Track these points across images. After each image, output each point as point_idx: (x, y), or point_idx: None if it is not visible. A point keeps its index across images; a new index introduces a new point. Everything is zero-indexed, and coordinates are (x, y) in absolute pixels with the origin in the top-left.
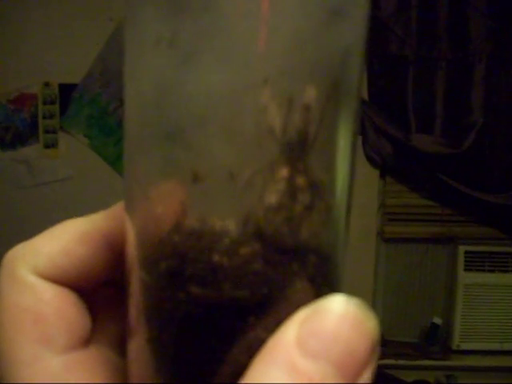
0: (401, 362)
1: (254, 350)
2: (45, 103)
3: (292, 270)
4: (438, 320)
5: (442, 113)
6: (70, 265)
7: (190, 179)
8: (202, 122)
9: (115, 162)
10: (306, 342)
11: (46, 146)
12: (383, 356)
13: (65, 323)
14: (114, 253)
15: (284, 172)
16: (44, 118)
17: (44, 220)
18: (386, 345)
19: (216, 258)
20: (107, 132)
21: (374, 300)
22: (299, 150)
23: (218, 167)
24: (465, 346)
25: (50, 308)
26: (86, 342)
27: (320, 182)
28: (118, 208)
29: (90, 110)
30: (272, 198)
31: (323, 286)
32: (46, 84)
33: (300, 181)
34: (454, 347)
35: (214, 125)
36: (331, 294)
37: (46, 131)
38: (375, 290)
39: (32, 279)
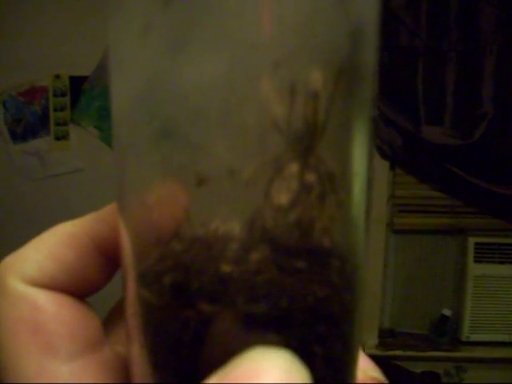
0: (410, 353)
1: None
2: (55, 96)
3: (311, 276)
4: (447, 311)
5: (451, 104)
6: (60, 270)
7: (188, 179)
8: (199, 116)
9: None
10: None
11: (57, 139)
12: (392, 347)
13: (65, 329)
14: (104, 256)
15: (292, 168)
16: (55, 110)
17: (55, 212)
18: (395, 336)
19: (224, 267)
20: None
21: (383, 291)
22: (307, 142)
23: (218, 165)
24: (474, 338)
25: (46, 315)
26: (96, 344)
27: (333, 177)
28: (108, 210)
29: (100, 102)
30: (279, 197)
31: (344, 291)
32: (57, 76)
33: (310, 176)
34: (464, 339)
35: (212, 118)
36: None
37: (57, 123)
38: (385, 282)
39: (22, 288)
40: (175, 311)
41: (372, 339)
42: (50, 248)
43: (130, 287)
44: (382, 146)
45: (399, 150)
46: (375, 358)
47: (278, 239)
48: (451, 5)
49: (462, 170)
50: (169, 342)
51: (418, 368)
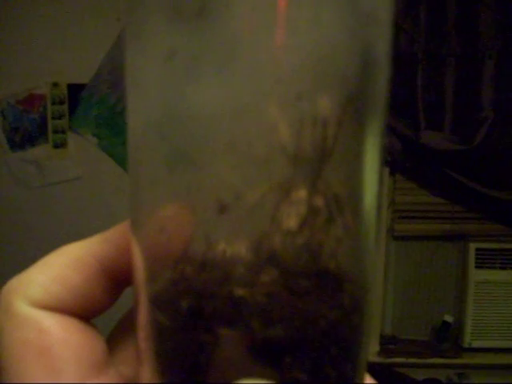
0: (412, 360)
1: None
2: (54, 103)
3: (321, 298)
4: (449, 318)
5: (451, 109)
6: (66, 292)
7: (198, 202)
8: (210, 141)
9: (124, 161)
10: None
11: (56, 146)
12: (394, 354)
13: (71, 352)
14: (110, 278)
15: (300, 192)
16: (53, 118)
17: (54, 220)
18: (397, 343)
19: (236, 290)
20: (116, 132)
21: (384, 298)
22: (315, 167)
23: (226, 188)
24: (476, 344)
25: (52, 338)
26: (101, 367)
27: (341, 202)
28: (114, 231)
29: (98, 110)
30: (287, 221)
31: (354, 314)
32: (55, 84)
33: (318, 201)
34: (466, 345)
35: (221, 143)
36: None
37: (55, 131)
38: (386, 288)
39: (27, 310)
40: (190, 335)
41: (373, 346)
42: (56, 270)
43: (142, 310)
44: None
45: (399, 155)
46: (377, 365)
47: (286, 262)
48: (450, 10)
49: (462, 176)
50: (183, 366)
51: (420, 375)
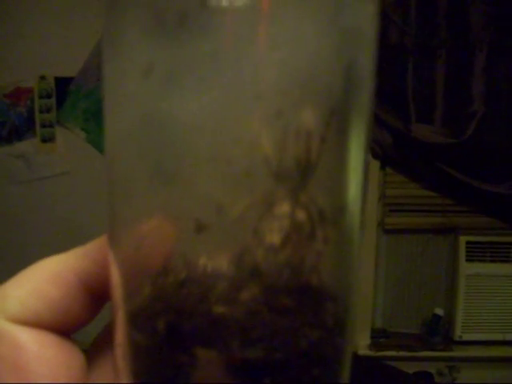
0: (402, 353)
1: None
2: (41, 97)
3: (302, 317)
4: (439, 311)
5: (442, 102)
6: (43, 307)
7: (177, 217)
8: (190, 154)
9: None
10: None
11: (43, 141)
12: (385, 347)
13: (47, 368)
14: (89, 292)
15: (282, 206)
16: (41, 112)
17: (41, 215)
18: (388, 336)
19: (216, 308)
20: None
21: (375, 291)
22: (298, 181)
23: (207, 202)
24: (467, 337)
25: (28, 354)
26: (79, 382)
27: (324, 216)
28: (93, 245)
29: (86, 104)
30: (269, 235)
31: (336, 333)
32: (42, 77)
33: (301, 215)
34: (456, 338)
35: (202, 157)
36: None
37: (43, 125)
38: (376, 282)
39: (3, 325)
40: (168, 355)
41: (364, 339)
42: (34, 284)
43: (119, 327)
44: (371, 146)
45: (389, 149)
46: (367, 359)
47: (268, 278)
48: (440, 1)
49: (452, 169)
50: None
51: (411, 368)
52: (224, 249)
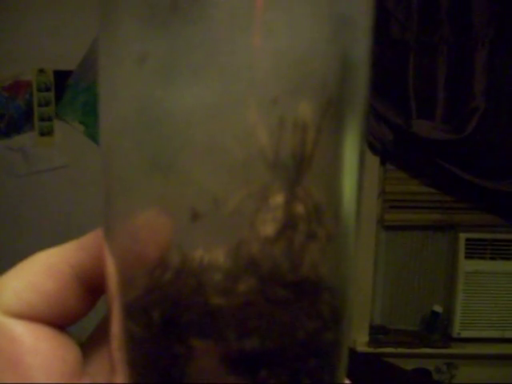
0: (401, 350)
1: None
2: (40, 90)
3: (299, 308)
4: (438, 308)
5: (443, 98)
6: (39, 300)
7: (173, 209)
8: (186, 146)
9: None
10: None
11: (42, 134)
12: (383, 344)
13: (42, 361)
14: (85, 285)
15: (278, 198)
16: (39, 105)
17: (40, 208)
18: (386, 333)
19: (213, 299)
20: None
21: (374, 288)
22: (295, 173)
23: (203, 194)
24: (465, 334)
25: (23, 347)
26: (74, 377)
27: (321, 208)
28: (89, 238)
29: (85, 97)
30: (265, 228)
31: (333, 324)
32: (41, 71)
33: (297, 207)
34: (455, 335)
35: (198, 148)
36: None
37: (42, 119)
38: (375, 278)
39: None
40: (164, 346)
41: (363, 336)
42: (30, 277)
43: (115, 319)
44: (372, 141)
45: (390, 144)
46: (366, 355)
47: (264, 270)
48: None
49: (453, 165)
50: (157, 378)
51: (409, 365)
52: (220, 240)
